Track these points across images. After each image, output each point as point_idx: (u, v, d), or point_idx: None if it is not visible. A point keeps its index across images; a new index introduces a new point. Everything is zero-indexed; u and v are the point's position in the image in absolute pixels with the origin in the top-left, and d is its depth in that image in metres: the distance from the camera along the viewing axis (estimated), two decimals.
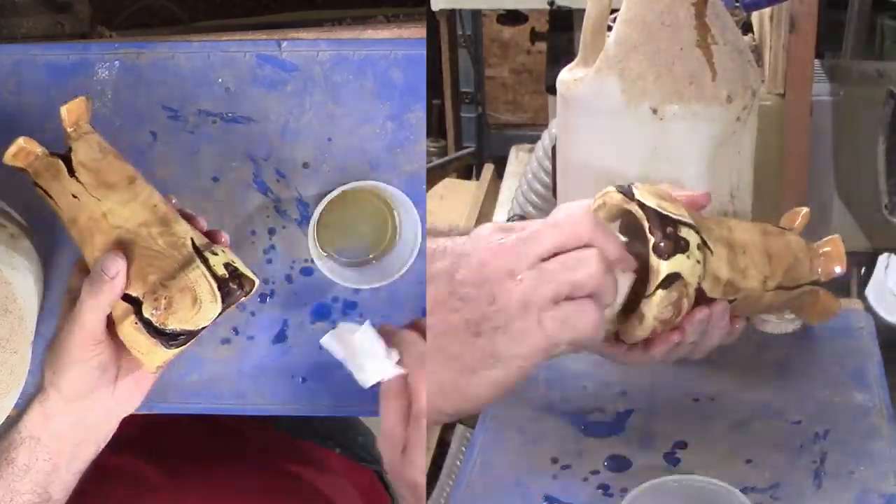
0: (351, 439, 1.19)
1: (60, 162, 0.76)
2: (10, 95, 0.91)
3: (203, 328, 0.74)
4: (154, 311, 0.73)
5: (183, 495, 0.94)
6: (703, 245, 0.73)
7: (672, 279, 0.71)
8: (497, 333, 0.66)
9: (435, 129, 2.25)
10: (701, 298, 0.74)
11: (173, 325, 0.73)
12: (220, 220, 0.92)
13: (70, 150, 0.77)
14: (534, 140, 1.34)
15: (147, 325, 0.73)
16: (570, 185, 0.98)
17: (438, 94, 2.16)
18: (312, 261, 0.88)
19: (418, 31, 0.93)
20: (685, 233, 0.71)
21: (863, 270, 1.57)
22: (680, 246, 0.70)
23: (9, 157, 0.77)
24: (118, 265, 0.73)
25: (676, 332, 0.74)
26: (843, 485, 0.81)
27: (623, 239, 0.75)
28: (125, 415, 0.82)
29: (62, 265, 0.92)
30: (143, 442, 0.99)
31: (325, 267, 0.88)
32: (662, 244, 0.70)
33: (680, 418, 0.91)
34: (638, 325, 0.73)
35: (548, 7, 1.68)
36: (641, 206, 0.73)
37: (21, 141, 0.76)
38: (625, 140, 0.90)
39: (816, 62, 1.19)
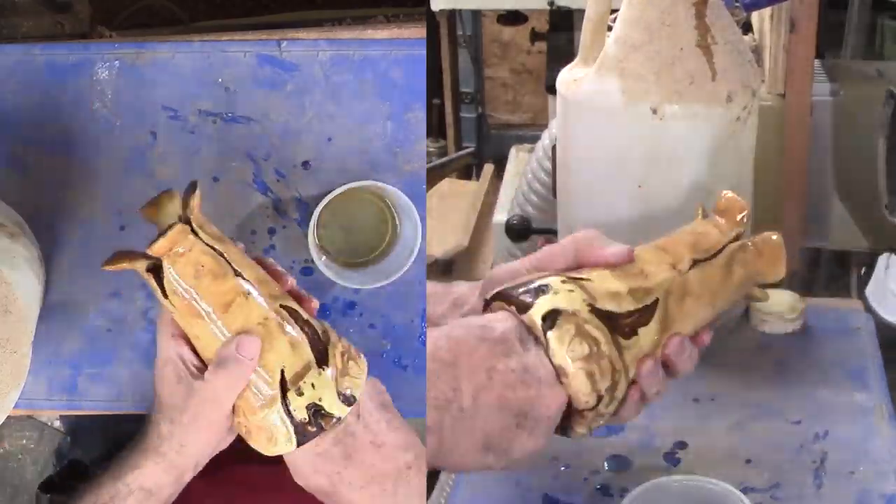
0: None
1: (154, 282, 0.74)
2: (10, 95, 0.91)
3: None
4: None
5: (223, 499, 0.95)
6: (570, 279, 0.67)
7: (549, 317, 0.64)
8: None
9: (435, 129, 2.25)
10: (618, 320, 0.66)
11: (251, 447, 0.75)
12: (220, 220, 0.92)
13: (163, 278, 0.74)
14: (534, 140, 1.34)
15: None
16: (571, 186, 0.98)
17: (438, 94, 2.16)
18: (312, 261, 0.88)
19: (418, 31, 0.93)
20: (540, 282, 0.66)
21: (863, 270, 1.57)
22: (539, 292, 0.65)
23: (108, 267, 0.75)
24: (255, 347, 0.72)
25: (633, 389, 0.67)
26: (843, 485, 0.81)
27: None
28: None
29: (62, 265, 0.92)
30: None
31: (325, 267, 0.88)
32: (521, 300, 0.65)
33: (680, 418, 0.91)
34: (566, 379, 0.64)
35: (548, 7, 1.68)
36: (487, 304, 0.69)
37: (119, 257, 0.75)
38: (625, 140, 0.90)
39: (816, 62, 1.19)
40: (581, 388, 0.64)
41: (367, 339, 0.94)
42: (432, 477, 0.92)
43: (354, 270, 0.92)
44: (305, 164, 0.93)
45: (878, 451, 0.84)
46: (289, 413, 0.72)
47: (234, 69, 0.92)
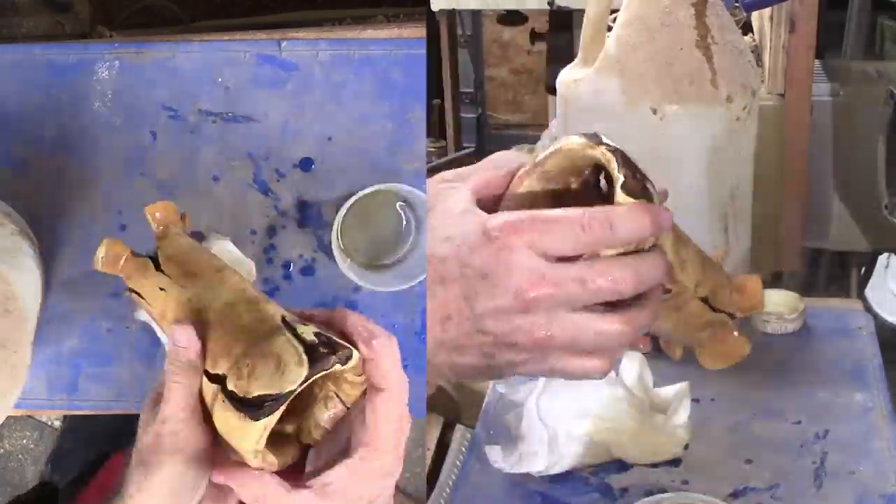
0: None
1: (148, 260, 0.72)
2: (11, 95, 0.91)
3: (291, 393, 0.65)
4: (237, 381, 0.65)
5: None
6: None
7: None
8: None
9: (435, 129, 2.25)
10: None
11: (256, 391, 0.64)
12: (219, 220, 0.92)
13: (157, 248, 0.73)
14: (534, 140, 1.35)
15: (232, 398, 0.65)
16: None
17: (438, 94, 2.16)
18: (312, 260, 0.88)
19: (418, 31, 0.93)
20: (650, 187, 0.64)
21: (863, 270, 1.57)
22: (647, 193, 0.64)
23: (98, 263, 0.72)
24: (187, 332, 0.67)
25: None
26: (843, 485, 0.81)
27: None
28: None
29: (62, 265, 0.92)
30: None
31: (350, 271, 0.87)
32: (633, 182, 0.63)
33: None
34: None
35: (548, 7, 1.68)
36: (611, 149, 0.65)
37: (106, 244, 0.72)
38: (625, 140, 0.90)
39: (816, 62, 1.19)
40: None
41: None
42: (432, 477, 0.92)
43: (378, 273, 0.91)
44: (305, 163, 0.93)
45: (878, 451, 0.84)
46: (296, 336, 0.65)
47: (234, 69, 0.92)
